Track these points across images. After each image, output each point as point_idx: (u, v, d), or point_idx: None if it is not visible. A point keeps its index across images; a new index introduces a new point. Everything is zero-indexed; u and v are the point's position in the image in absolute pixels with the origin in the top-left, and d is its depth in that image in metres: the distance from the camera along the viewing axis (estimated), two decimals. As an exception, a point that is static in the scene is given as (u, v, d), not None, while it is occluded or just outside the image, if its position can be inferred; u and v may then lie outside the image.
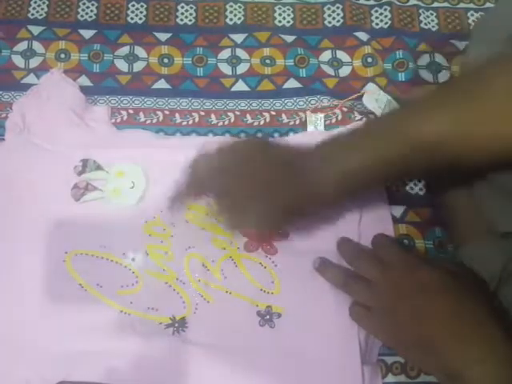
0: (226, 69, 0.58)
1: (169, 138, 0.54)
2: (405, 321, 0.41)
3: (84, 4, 0.61)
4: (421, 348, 0.40)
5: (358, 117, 0.55)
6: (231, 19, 0.61)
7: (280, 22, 0.61)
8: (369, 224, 0.50)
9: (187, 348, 0.45)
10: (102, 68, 0.57)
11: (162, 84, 0.57)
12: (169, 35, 0.59)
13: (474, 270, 0.44)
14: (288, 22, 0.61)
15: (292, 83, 0.57)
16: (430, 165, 0.40)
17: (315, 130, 0.55)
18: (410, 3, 0.62)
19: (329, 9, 0.62)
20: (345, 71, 0.58)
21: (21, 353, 0.45)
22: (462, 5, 0.63)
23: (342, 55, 0.59)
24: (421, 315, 0.40)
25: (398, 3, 0.62)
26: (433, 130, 0.37)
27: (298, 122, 0.55)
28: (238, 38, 0.59)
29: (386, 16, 0.61)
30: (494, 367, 0.36)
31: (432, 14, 0.62)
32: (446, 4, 0.63)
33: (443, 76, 0.58)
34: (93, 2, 0.61)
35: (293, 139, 0.54)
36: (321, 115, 0.55)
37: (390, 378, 0.46)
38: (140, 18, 0.60)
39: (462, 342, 0.38)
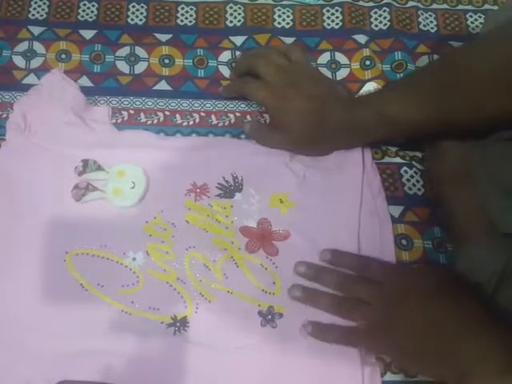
0: (226, 71, 0.58)
1: (169, 138, 0.54)
2: (405, 333, 0.42)
3: (85, 5, 0.61)
4: (423, 356, 0.40)
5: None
6: (231, 21, 0.61)
7: (279, 23, 0.61)
8: (367, 225, 0.51)
9: (188, 348, 0.45)
10: (102, 69, 0.57)
11: (162, 85, 0.57)
12: (169, 36, 0.59)
13: (464, 273, 0.45)
14: (288, 23, 0.61)
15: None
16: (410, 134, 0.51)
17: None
18: (408, 5, 0.62)
19: (328, 11, 0.62)
20: (342, 74, 0.59)
21: (21, 353, 0.45)
22: (460, 6, 0.63)
23: (341, 57, 0.59)
24: (421, 326, 0.41)
25: (397, 5, 0.62)
26: (408, 116, 0.47)
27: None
28: (238, 40, 0.60)
29: (384, 17, 0.61)
30: (495, 365, 0.37)
31: (431, 16, 0.62)
32: (444, 5, 0.63)
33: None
34: (93, 3, 0.61)
35: None
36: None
37: (389, 376, 0.46)
38: (140, 19, 0.60)
39: (462, 344, 0.39)
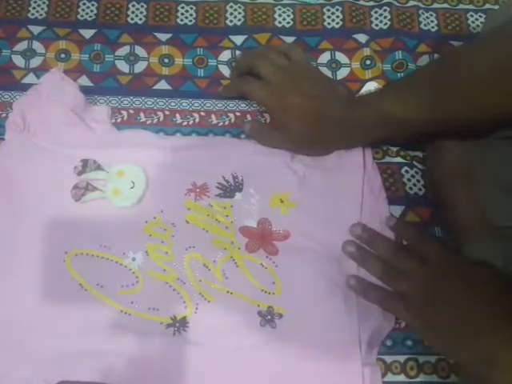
0: (226, 70, 0.58)
1: (169, 138, 0.54)
2: (444, 309, 0.40)
3: (84, 4, 0.61)
4: (455, 333, 0.39)
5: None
6: (231, 20, 0.61)
7: (280, 22, 0.61)
8: (368, 225, 0.50)
9: (188, 348, 0.45)
10: (102, 68, 0.57)
11: (162, 85, 0.57)
12: (169, 35, 0.59)
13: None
14: (288, 22, 0.61)
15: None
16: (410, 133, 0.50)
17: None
18: (409, 4, 0.62)
19: (328, 10, 0.62)
20: (342, 73, 0.59)
21: (21, 353, 0.44)
22: (461, 6, 0.63)
23: (341, 57, 0.59)
24: (462, 305, 0.40)
25: (398, 4, 0.62)
26: (408, 116, 0.47)
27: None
28: (238, 39, 0.60)
29: (385, 17, 0.61)
30: None
31: (432, 15, 0.62)
32: (445, 5, 0.63)
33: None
34: (93, 2, 0.61)
35: None
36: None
37: (390, 377, 0.46)
38: (140, 19, 0.60)
39: (502, 326, 0.38)
